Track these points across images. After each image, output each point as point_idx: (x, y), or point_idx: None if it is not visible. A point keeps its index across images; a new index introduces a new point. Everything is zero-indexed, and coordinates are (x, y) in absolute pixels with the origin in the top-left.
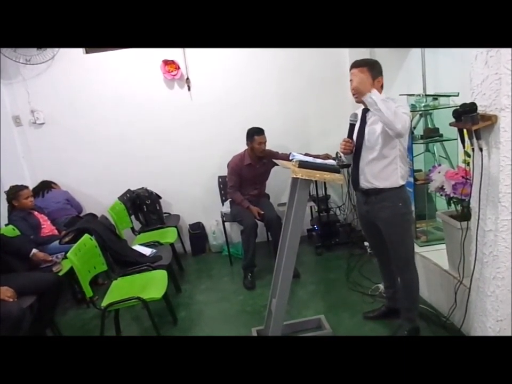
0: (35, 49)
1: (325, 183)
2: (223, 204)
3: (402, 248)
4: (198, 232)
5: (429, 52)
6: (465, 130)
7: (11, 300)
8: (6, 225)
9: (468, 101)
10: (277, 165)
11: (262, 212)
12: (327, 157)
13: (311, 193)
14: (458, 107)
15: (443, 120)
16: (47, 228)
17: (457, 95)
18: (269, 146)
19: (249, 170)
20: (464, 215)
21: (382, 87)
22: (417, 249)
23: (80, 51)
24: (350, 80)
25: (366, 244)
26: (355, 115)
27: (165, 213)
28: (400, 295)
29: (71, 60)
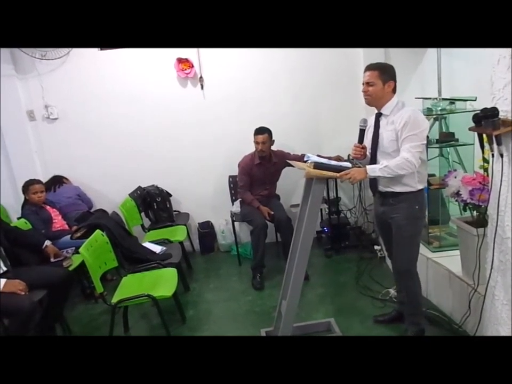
0: None
1: (336, 185)
2: (233, 204)
3: (407, 252)
4: (207, 231)
5: (445, 54)
6: (485, 136)
7: (22, 293)
8: (19, 218)
9: (484, 106)
10: (290, 165)
11: (272, 212)
12: (338, 158)
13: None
14: (478, 111)
15: (458, 124)
16: (58, 222)
17: (475, 100)
18: (280, 145)
19: (259, 170)
20: (481, 221)
21: (394, 91)
22: (429, 254)
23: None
24: (363, 83)
25: (376, 247)
26: (364, 120)
27: (175, 211)
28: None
29: (86, 56)
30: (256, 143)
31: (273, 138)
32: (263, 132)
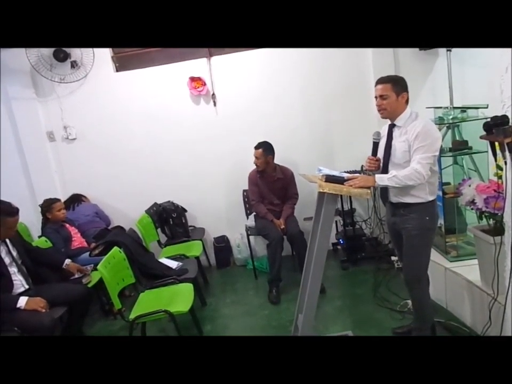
0: (69, 68)
1: (350, 196)
2: (247, 217)
3: (416, 262)
4: (222, 245)
5: (455, 62)
6: (496, 143)
7: (43, 310)
8: (39, 237)
9: (496, 113)
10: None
11: (283, 226)
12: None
13: (336, 207)
14: (488, 119)
15: (471, 132)
16: (77, 240)
17: (487, 107)
18: (292, 158)
19: (263, 184)
20: (497, 229)
21: (407, 102)
22: (447, 264)
23: (111, 70)
24: (375, 97)
25: (393, 258)
26: (378, 133)
27: (190, 226)
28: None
29: (102, 78)
30: (254, 157)
31: (270, 155)
32: (258, 147)
